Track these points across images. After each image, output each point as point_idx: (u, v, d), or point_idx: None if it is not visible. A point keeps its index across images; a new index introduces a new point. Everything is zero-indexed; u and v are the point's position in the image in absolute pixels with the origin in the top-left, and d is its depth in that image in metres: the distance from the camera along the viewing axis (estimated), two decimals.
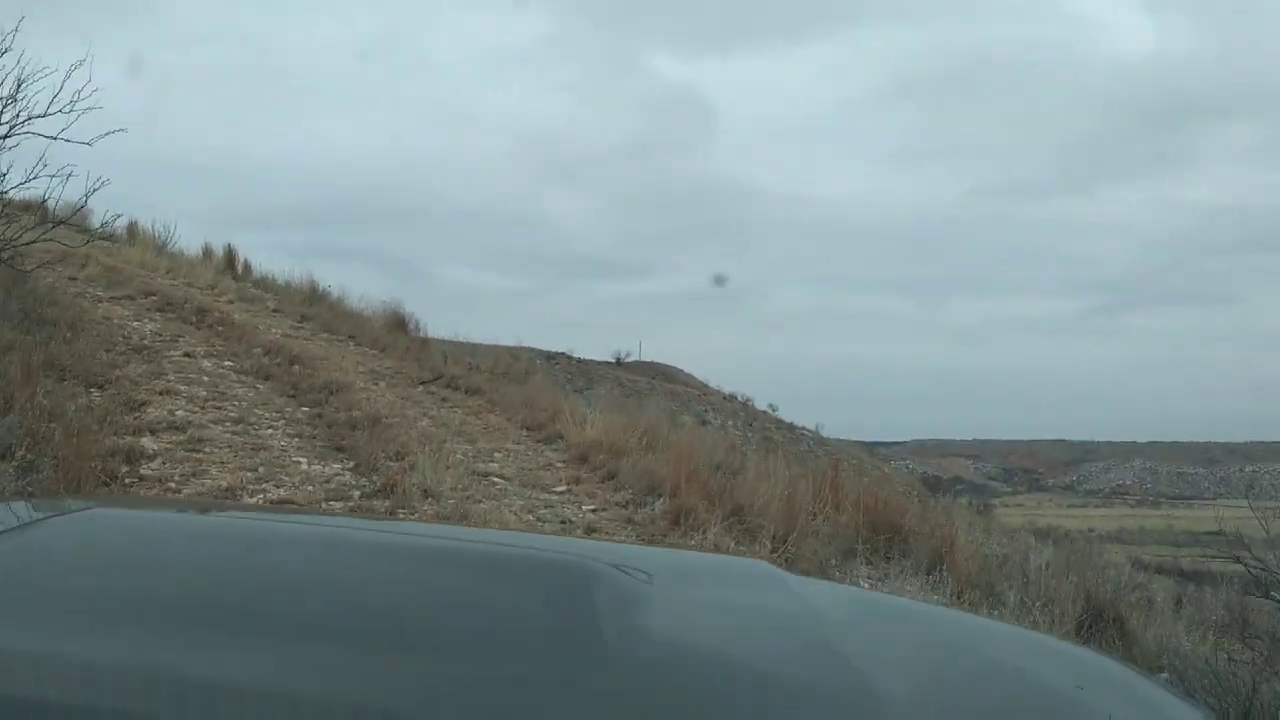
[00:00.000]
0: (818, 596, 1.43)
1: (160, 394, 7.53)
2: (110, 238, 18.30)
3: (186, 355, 8.95)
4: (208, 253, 17.20)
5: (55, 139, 9.09)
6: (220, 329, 10.44)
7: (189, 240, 17.77)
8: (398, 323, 13.32)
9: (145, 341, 9.19)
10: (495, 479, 6.73)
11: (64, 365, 7.42)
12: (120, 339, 9.08)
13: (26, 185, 9.80)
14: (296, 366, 9.16)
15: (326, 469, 6.46)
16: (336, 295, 14.47)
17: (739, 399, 54.61)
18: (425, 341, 12.27)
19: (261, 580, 1.16)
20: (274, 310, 12.75)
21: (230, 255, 16.74)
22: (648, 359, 61.48)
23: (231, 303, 12.60)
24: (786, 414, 51.86)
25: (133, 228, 18.87)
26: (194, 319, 10.68)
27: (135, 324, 9.93)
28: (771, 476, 7.88)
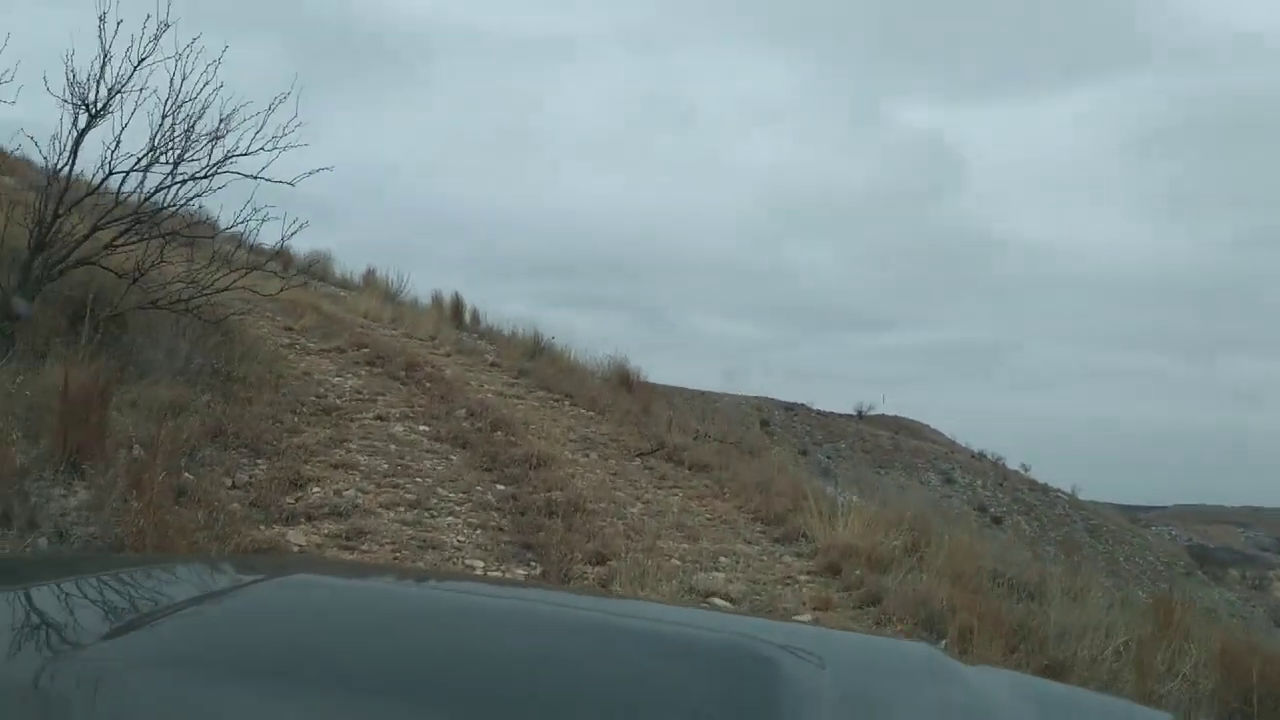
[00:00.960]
0: (990, 686, 1.39)
1: (334, 467, 6.45)
2: (321, 279, 18.26)
3: (379, 418, 7.93)
4: (437, 301, 16.70)
5: (256, 178, 8.41)
6: (427, 385, 9.46)
7: (434, 288, 17.37)
8: (621, 379, 12.07)
9: (339, 401, 8.25)
10: (718, 600, 5.16)
11: (233, 430, 6.48)
12: (313, 398, 8.18)
13: (239, 228, 9.22)
14: (499, 433, 7.96)
15: (506, 576, 5.10)
16: (560, 347, 13.41)
17: (988, 457, 51.32)
18: (649, 402, 10.91)
19: (447, 651, 1.18)
20: (491, 364, 11.78)
21: (458, 304, 16.14)
22: (891, 413, 58.75)
23: (448, 355, 11.73)
24: (1039, 474, 48.20)
25: (369, 276, 18.78)
26: (401, 374, 9.76)
27: (335, 380, 9.07)
28: (1084, 600, 5.96)
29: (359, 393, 8.73)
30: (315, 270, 19.93)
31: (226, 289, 8.16)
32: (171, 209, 8.39)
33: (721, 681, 1.11)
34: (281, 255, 19.82)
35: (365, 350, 10.55)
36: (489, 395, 9.64)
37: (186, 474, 5.53)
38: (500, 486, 6.70)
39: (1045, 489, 48.12)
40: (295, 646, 1.15)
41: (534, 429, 8.43)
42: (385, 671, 1.07)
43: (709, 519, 6.97)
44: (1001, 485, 48.28)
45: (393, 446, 7.17)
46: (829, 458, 48.87)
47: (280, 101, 8.34)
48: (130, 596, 1.39)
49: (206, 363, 7.80)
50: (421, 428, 7.85)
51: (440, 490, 6.39)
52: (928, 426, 58.45)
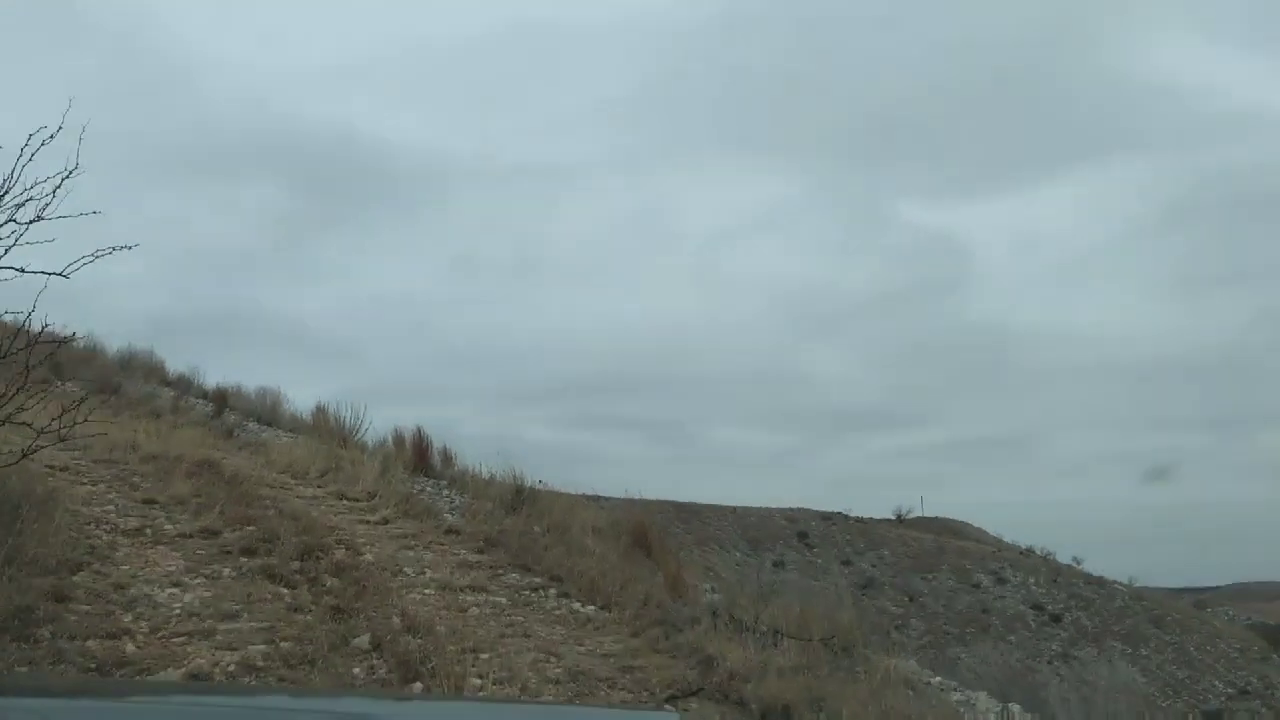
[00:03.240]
0: None
1: None
2: (268, 423, 14.84)
3: (193, 678, 4.37)
4: (397, 442, 13.26)
5: (22, 272, 5.11)
6: (327, 584, 5.94)
7: (395, 425, 13.94)
8: (637, 537, 8.48)
9: (143, 640, 4.71)
10: None
11: None
12: (101, 632, 4.65)
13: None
14: (417, 684, 4.41)
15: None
16: (550, 493, 9.86)
17: (1037, 552, 48.79)
18: (676, 573, 7.32)
19: None
20: (448, 531, 8.19)
21: (421, 444, 12.64)
22: (930, 514, 55.08)
23: (384, 523, 8.20)
24: (1093, 566, 46.80)
25: (320, 413, 15.40)
26: (293, 567, 6.22)
27: (164, 594, 5.52)
28: None
29: (194, 615, 5.18)
30: (257, 411, 16.60)
31: None
32: None
33: None
34: (216, 396, 16.55)
35: (250, 529, 7.02)
36: (426, 594, 6.10)
37: None
38: None
39: (1101, 581, 45.12)
40: None
41: (486, 663, 4.87)
42: None
43: None
44: (1055, 581, 45.04)
45: None
46: (873, 566, 45.02)
47: (46, 142, 5.11)
48: None
49: None
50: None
51: None
52: (970, 525, 54.98)
